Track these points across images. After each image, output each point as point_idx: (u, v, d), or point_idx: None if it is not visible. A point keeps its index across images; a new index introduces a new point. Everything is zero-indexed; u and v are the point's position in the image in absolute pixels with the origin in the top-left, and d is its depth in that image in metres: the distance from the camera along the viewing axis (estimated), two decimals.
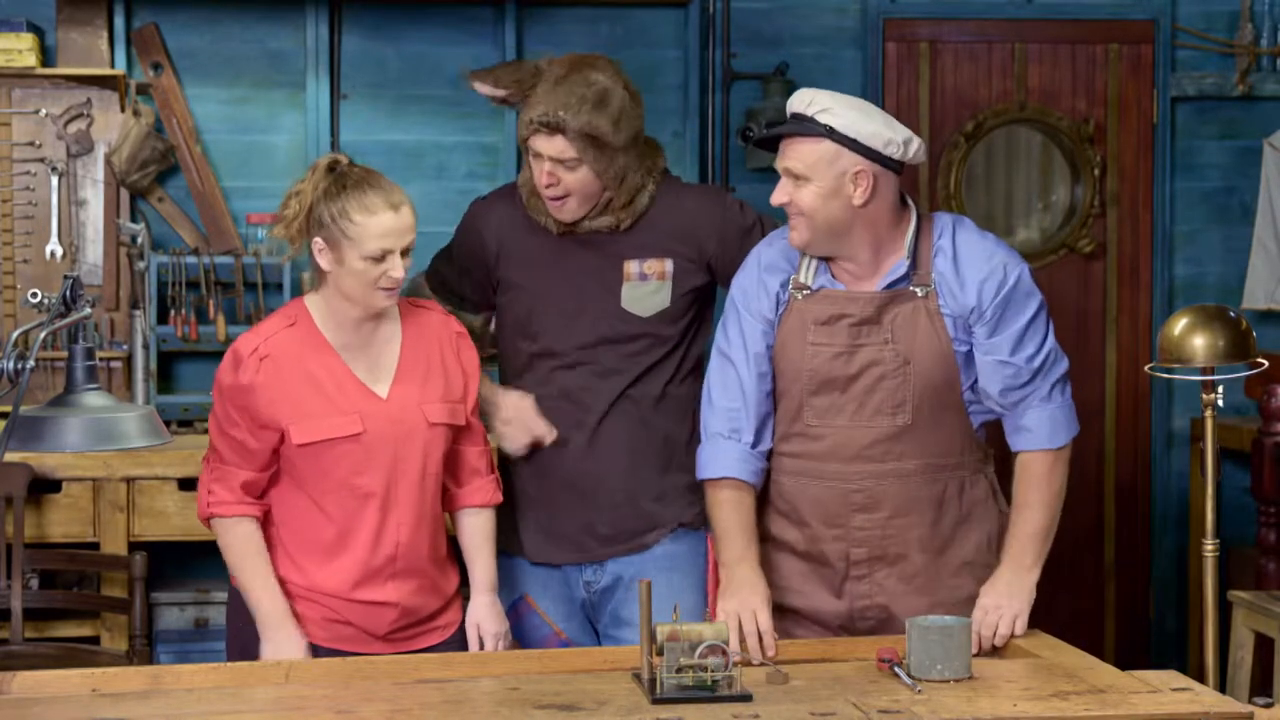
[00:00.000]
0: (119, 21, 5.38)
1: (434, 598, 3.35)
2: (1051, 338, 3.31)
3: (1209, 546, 3.63)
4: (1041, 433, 3.29)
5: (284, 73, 5.51)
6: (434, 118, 5.58)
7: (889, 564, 3.31)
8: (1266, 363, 3.61)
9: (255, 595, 3.28)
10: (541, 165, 3.44)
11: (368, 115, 5.55)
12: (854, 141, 3.18)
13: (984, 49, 5.80)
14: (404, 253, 3.22)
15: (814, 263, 3.31)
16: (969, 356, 3.28)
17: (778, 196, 3.26)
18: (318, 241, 3.21)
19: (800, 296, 3.31)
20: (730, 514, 3.29)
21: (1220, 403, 3.58)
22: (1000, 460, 3.42)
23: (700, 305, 3.63)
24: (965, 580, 3.31)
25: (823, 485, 3.30)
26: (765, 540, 3.38)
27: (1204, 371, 3.55)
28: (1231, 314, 3.57)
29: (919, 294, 3.26)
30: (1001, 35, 5.80)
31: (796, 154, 3.22)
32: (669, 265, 3.55)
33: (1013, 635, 3.22)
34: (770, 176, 5.60)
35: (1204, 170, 5.93)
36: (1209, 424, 3.57)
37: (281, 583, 3.29)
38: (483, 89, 3.57)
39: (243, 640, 3.34)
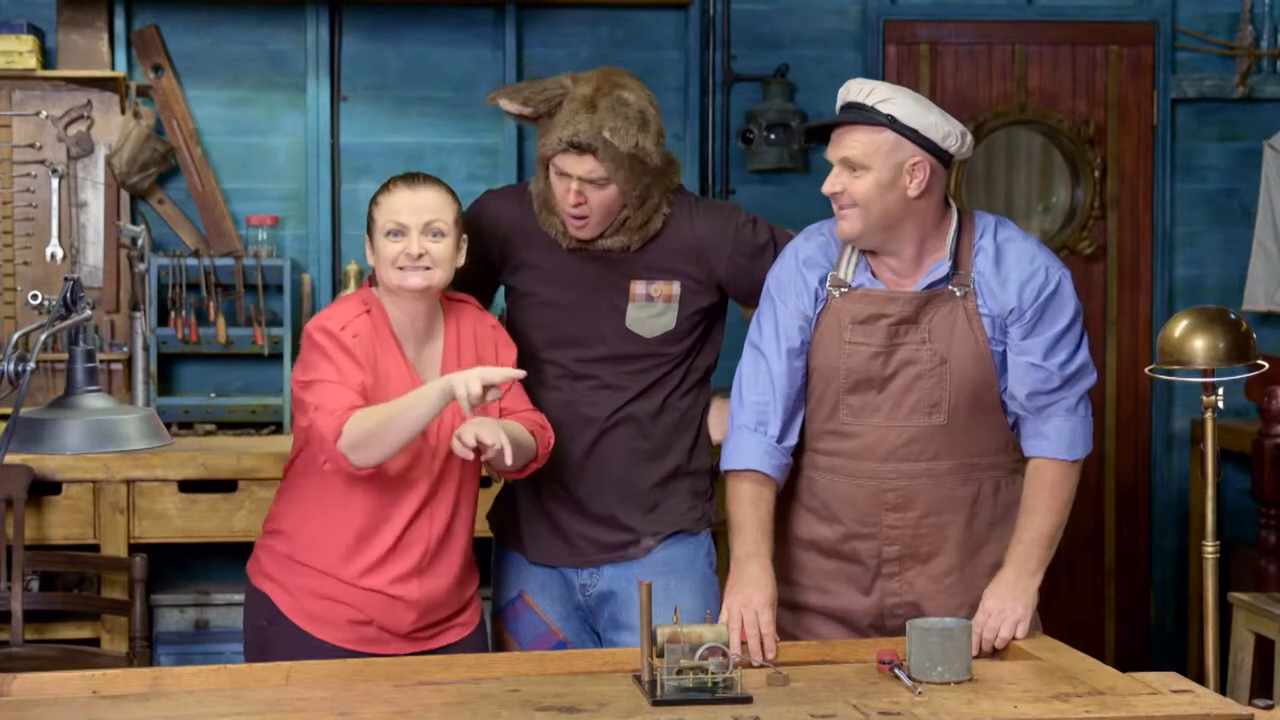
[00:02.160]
0: (119, 23, 5.38)
1: (455, 598, 3.36)
2: (1085, 349, 3.29)
3: (1209, 548, 3.63)
4: (1061, 442, 3.28)
5: (284, 74, 5.52)
6: (434, 119, 5.59)
7: (920, 562, 3.31)
8: (1267, 364, 3.61)
9: (412, 399, 3.15)
10: (568, 184, 3.40)
11: (368, 117, 5.56)
12: (914, 132, 3.17)
13: (984, 51, 5.80)
14: (428, 232, 3.26)
15: (854, 259, 3.30)
16: (1006, 357, 3.28)
17: (830, 186, 3.22)
18: (367, 241, 3.34)
19: (838, 294, 3.29)
20: (748, 509, 3.28)
21: (1220, 404, 3.58)
22: None
23: (708, 323, 3.61)
24: None
25: (855, 483, 3.30)
26: (793, 541, 3.38)
27: (1204, 373, 3.55)
28: (1232, 316, 3.57)
29: (957, 294, 3.26)
30: (1002, 37, 5.81)
31: (855, 142, 3.19)
32: (676, 287, 3.53)
33: (1013, 639, 3.22)
34: (770, 179, 5.67)
35: (1204, 172, 5.94)
36: (1209, 426, 3.58)
37: (307, 587, 3.29)
38: (510, 107, 3.49)
39: (260, 642, 3.33)
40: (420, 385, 3.27)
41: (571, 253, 3.52)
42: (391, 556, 3.27)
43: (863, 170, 3.19)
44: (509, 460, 3.16)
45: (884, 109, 3.17)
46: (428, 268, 3.26)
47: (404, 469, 3.26)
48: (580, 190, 3.39)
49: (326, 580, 3.28)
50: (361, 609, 3.27)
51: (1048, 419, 3.28)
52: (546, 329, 3.56)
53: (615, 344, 3.53)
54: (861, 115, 3.19)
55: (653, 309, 3.53)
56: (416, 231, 3.25)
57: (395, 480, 3.26)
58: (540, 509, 3.59)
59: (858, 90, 3.21)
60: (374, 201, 3.32)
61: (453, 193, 3.34)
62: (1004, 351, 3.27)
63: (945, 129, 3.19)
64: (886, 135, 3.18)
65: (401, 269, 3.26)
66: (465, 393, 3.08)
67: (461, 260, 3.34)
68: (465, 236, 3.35)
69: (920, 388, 3.26)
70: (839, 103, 3.26)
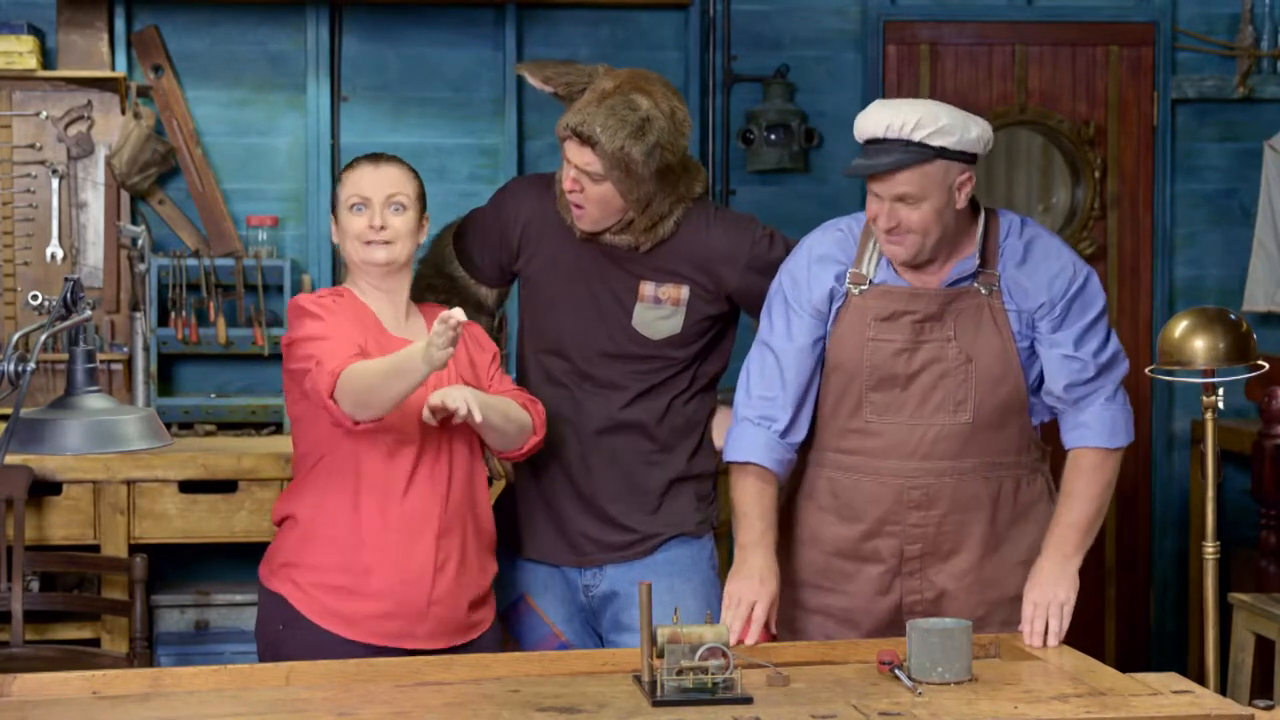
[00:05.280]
0: (119, 24, 5.38)
1: (474, 583, 3.33)
2: (1115, 339, 3.31)
3: (1209, 549, 3.63)
4: (1102, 431, 3.28)
5: (284, 75, 5.52)
6: (434, 120, 5.59)
7: (941, 560, 3.31)
8: (1267, 365, 3.61)
9: (398, 360, 3.12)
10: (568, 170, 3.42)
11: (368, 117, 5.56)
12: (961, 153, 3.17)
13: (984, 51, 5.80)
14: (389, 205, 3.31)
15: (875, 255, 3.29)
16: (1031, 354, 3.28)
17: (885, 223, 3.18)
18: (333, 221, 3.39)
19: (858, 291, 3.29)
20: (753, 499, 3.28)
21: (1221, 405, 3.58)
22: (1054, 458, 3.41)
23: (717, 331, 3.60)
24: (1019, 579, 3.29)
25: (879, 482, 3.30)
26: (808, 542, 3.38)
27: (1205, 374, 3.55)
28: (1232, 316, 3.57)
29: (983, 292, 3.26)
30: (1002, 38, 5.80)
31: (908, 179, 3.14)
32: (684, 292, 3.52)
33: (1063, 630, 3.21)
34: (770, 179, 5.67)
35: (1204, 172, 5.94)
36: (1209, 426, 3.57)
37: (322, 584, 3.27)
38: (532, 81, 3.52)
39: (276, 645, 3.31)
40: (404, 343, 3.26)
41: (584, 243, 3.52)
42: (402, 541, 3.26)
43: (918, 201, 3.16)
44: (478, 418, 3.16)
45: (934, 143, 3.13)
46: (388, 241, 3.30)
47: (402, 454, 3.26)
48: (577, 179, 3.41)
49: (341, 574, 3.26)
50: (379, 598, 3.26)
51: (1086, 409, 3.29)
52: (554, 319, 3.56)
53: (620, 342, 3.53)
54: (914, 154, 3.13)
55: (660, 311, 3.52)
56: (379, 205, 3.30)
57: (395, 467, 3.25)
58: (543, 508, 3.59)
59: (898, 124, 3.13)
60: (338, 180, 3.38)
61: (415, 171, 3.41)
62: (1029, 350, 3.28)
63: (985, 138, 3.21)
64: (938, 165, 3.15)
65: (367, 244, 3.30)
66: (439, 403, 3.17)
67: (423, 238, 3.39)
68: (428, 215, 3.41)
69: (945, 386, 3.26)
70: (868, 134, 3.18)
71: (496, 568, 3.45)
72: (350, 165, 3.39)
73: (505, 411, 3.31)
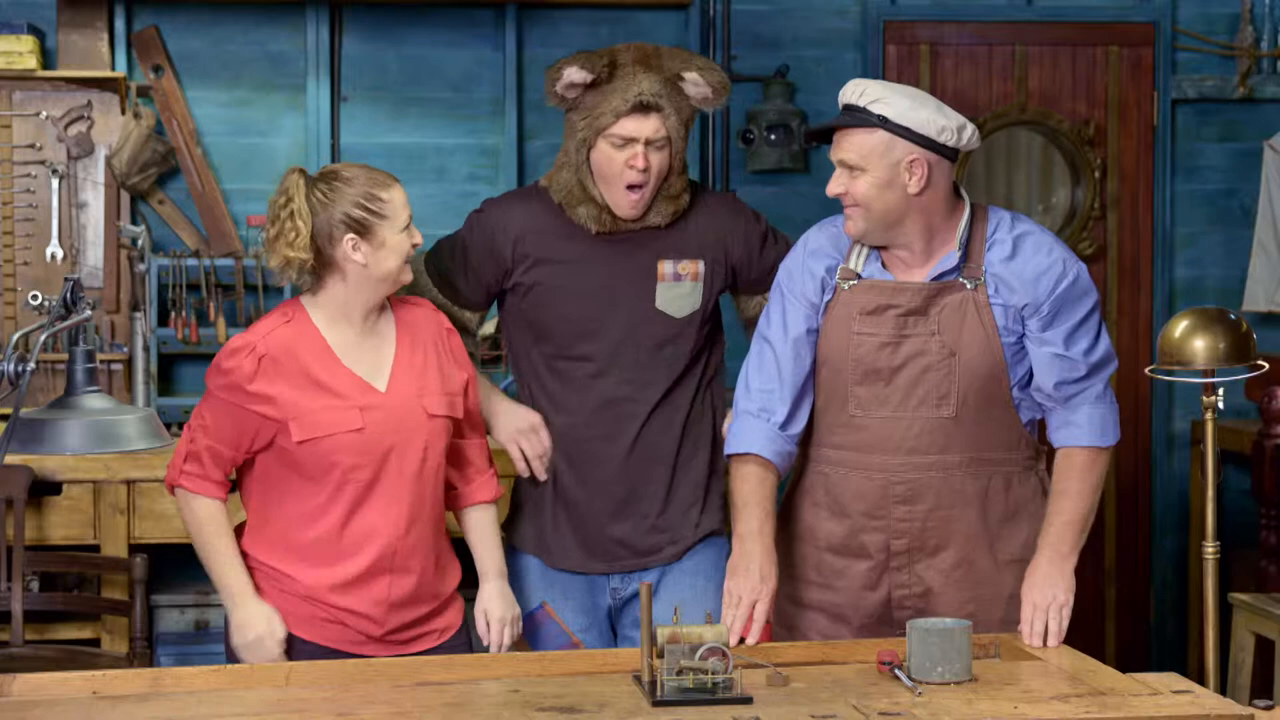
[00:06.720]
0: (119, 24, 5.39)
1: (429, 598, 3.33)
2: (1106, 337, 3.33)
3: (1209, 549, 3.63)
4: (1093, 430, 3.30)
5: (284, 75, 5.52)
6: (434, 120, 5.59)
7: (929, 555, 3.32)
8: (1267, 365, 3.61)
9: (220, 570, 3.28)
10: (633, 149, 3.41)
11: (368, 118, 5.56)
12: (907, 130, 3.18)
13: (984, 51, 5.80)
14: None
15: (865, 251, 3.32)
16: (1017, 350, 3.29)
17: (833, 188, 3.25)
18: (350, 239, 3.20)
19: (847, 286, 3.31)
20: (753, 489, 3.29)
21: (1221, 405, 3.58)
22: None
23: (715, 310, 3.63)
24: (1010, 578, 3.30)
25: (865, 476, 3.31)
26: (803, 538, 3.40)
27: (1204, 374, 3.55)
28: (1232, 316, 3.57)
29: (968, 286, 3.27)
30: (1002, 38, 5.81)
31: (850, 145, 3.22)
32: (701, 266, 3.55)
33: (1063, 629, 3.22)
34: (770, 179, 5.68)
35: (1204, 172, 5.94)
36: (1209, 426, 3.58)
37: (280, 589, 3.27)
38: (577, 75, 3.45)
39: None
40: (361, 383, 3.23)
41: (595, 238, 3.52)
42: (353, 558, 3.24)
43: (860, 171, 3.21)
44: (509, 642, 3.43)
45: (876, 110, 3.19)
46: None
47: (355, 470, 3.22)
48: (645, 154, 3.42)
49: (295, 581, 3.25)
50: (330, 610, 3.25)
51: (1077, 408, 3.30)
52: (573, 321, 3.53)
53: (646, 328, 3.52)
54: (854, 118, 3.22)
55: (681, 288, 3.54)
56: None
57: (348, 481, 3.22)
58: (569, 515, 3.56)
59: (852, 92, 3.24)
60: (375, 200, 3.20)
61: None
62: (1016, 345, 3.28)
63: (940, 124, 3.20)
64: (880, 136, 3.19)
65: (406, 264, 3.26)
66: None
67: None
68: None
69: (929, 380, 3.27)
70: (839, 104, 3.28)
71: (459, 573, 3.42)
72: (378, 182, 3.23)
73: (499, 538, 3.48)
